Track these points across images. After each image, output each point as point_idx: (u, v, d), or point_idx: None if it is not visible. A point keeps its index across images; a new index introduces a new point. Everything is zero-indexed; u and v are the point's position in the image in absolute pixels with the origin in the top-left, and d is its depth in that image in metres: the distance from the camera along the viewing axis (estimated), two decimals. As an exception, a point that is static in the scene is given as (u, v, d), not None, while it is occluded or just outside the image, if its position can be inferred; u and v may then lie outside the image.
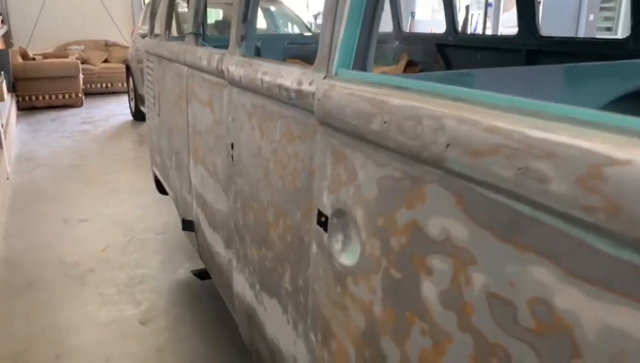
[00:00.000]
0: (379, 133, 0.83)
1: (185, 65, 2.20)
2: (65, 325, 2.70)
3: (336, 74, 1.01)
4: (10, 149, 5.58)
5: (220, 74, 1.73)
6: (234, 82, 1.59)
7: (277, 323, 1.42)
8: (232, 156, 1.66)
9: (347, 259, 0.97)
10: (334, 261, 1.01)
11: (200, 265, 3.24)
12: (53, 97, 8.30)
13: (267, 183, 1.39)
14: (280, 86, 1.25)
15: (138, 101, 7.28)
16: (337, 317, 1.01)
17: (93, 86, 9.51)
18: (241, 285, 1.71)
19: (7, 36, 8.93)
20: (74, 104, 8.49)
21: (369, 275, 0.90)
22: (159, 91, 2.81)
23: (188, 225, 2.36)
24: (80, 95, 8.53)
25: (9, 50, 7.96)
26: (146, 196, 4.51)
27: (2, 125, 5.06)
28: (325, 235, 1.04)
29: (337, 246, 1.01)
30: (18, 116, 7.75)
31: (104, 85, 9.62)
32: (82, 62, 9.11)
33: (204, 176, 2.05)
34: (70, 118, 7.79)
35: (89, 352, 2.49)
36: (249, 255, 1.58)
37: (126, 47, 9.80)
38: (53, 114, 8.08)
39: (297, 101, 1.18)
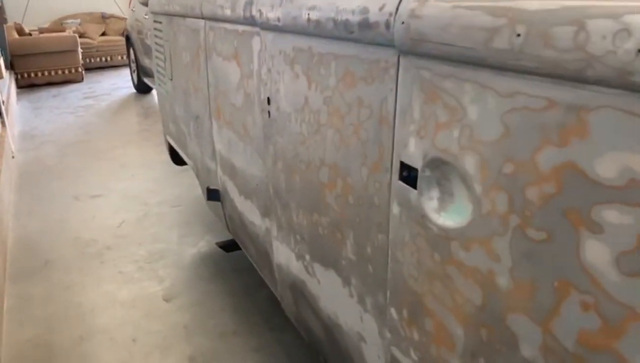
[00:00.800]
0: (507, 52, 0.63)
1: (203, 18, 1.97)
2: (87, 305, 2.54)
3: (425, -12, 0.80)
4: (13, 127, 5.37)
5: (248, 20, 1.51)
6: (268, 27, 1.38)
7: (335, 297, 1.24)
8: (269, 113, 1.45)
9: (449, 220, 0.78)
10: (429, 224, 0.82)
11: (223, 237, 3.07)
12: (52, 73, 8.04)
13: (319, 138, 1.19)
14: (335, 20, 1.04)
15: (140, 73, 7.02)
16: (434, 290, 0.83)
17: (92, 60, 9.22)
18: (284, 256, 1.53)
19: (0, 12, 8.61)
20: (74, 79, 8.23)
21: (488, 238, 0.71)
22: (171, 52, 2.59)
23: (213, 195, 2.17)
24: (80, 70, 8.26)
25: (4, 26, 7.67)
26: (157, 169, 4.32)
27: (2, 102, 4.83)
28: (414, 192, 0.85)
29: (432, 204, 0.82)
30: (18, 94, 7.50)
31: (103, 59, 9.33)
32: (80, 36, 8.82)
33: (232, 140, 1.85)
34: (72, 94, 7.54)
35: (114, 332, 2.34)
36: (295, 222, 1.39)
37: (124, 19, 9.49)
38: (54, 90, 7.83)
39: (360, 34, 0.97)
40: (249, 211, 1.80)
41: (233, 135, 1.83)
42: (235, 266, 2.82)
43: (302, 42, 1.21)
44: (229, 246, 2.59)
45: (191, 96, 2.32)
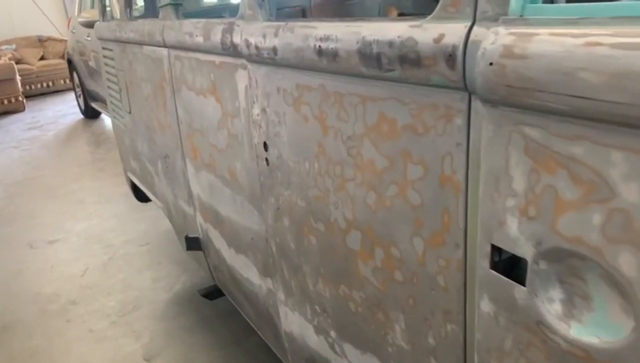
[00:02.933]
0: None
1: (165, 46, 1.70)
2: (56, 377, 2.22)
3: (522, 15, 0.58)
4: (-49, 169, 4.90)
5: (229, 50, 1.26)
6: (258, 59, 1.13)
7: (378, 386, 1.01)
8: (267, 160, 1.21)
9: (588, 334, 0.56)
10: (551, 335, 0.60)
11: (200, 278, 2.79)
12: (-10, 104, 7.48)
13: (344, 196, 0.96)
14: (362, 54, 0.81)
15: (87, 97, 6.59)
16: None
17: (32, 87, 8.65)
18: (297, 326, 1.28)
19: None
20: (16, 109, 7.68)
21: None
22: (127, 83, 2.29)
23: (193, 243, 1.90)
24: (20, 98, 7.71)
25: None
26: (117, 203, 3.97)
27: (-63, 144, 4.37)
28: (520, 289, 0.62)
29: (552, 308, 0.59)
30: (-46, 130, 6.94)
31: (44, 84, 8.77)
32: (17, 63, 8.22)
33: (214, 185, 1.59)
34: (14, 125, 7.02)
35: (92, 407, 2.04)
36: (312, 291, 1.15)
37: (63, 41, 8.96)
38: (-7, 123, 7.28)
39: (404, 72, 0.74)
40: (243, 267, 1.55)
41: (216, 180, 1.57)
42: (219, 311, 2.54)
43: (311, 79, 0.97)
44: (212, 293, 2.31)
45: (156, 132, 2.04)
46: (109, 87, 2.71)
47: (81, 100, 6.88)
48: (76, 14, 6.53)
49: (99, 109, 6.18)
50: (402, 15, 3.00)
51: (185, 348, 2.30)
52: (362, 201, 0.91)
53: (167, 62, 1.73)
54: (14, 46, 8.90)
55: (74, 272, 3.05)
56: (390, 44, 0.75)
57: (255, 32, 1.12)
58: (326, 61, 0.90)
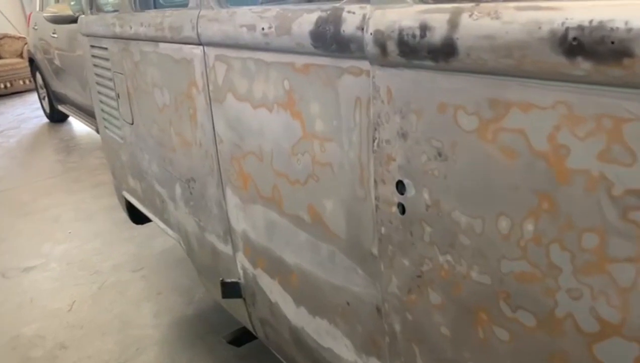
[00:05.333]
0: None
1: (200, 44, 1.29)
2: None
3: None
4: None
5: (331, 48, 0.86)
6: (403, 61, 0.74)
7: None
8: (402, 206, 0.82)
9: None
10: None
11: (212, 311, 2.35)
12: (-58, 108, 6.75)
13: (603, 283, 0.58)
14: None
15: (52, 99, 5.98)
16: None
17: (-12, 88, 7.92)
18: None
19: None
20: (-30, 113, 6.97)
21: None
22: (129, 89, 1.85)
23: (232, 290, 1.49)
24: (-24, 101, 7.01)
25: None
26: (99, 220, 3.47)
27: None
28: None
29: None
30: None
31: (2, 86, 8.04)
32: (-30, 63, 7.50)
33: (278, 225, 1.19)
34: (-29, 131, 6.34)
35: None
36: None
37: (21, 38, 8.24)
38: (-53, 129, 6.56)
39: None
40: (322, 334, 1.15)
41: (281, 218, 1.17)
42: (238, 353, 2.12)
43: (535, 92, 0.59)
44: (239, 339, 1.89)
45: (175, 150, 1.61)
46: (99, 93, 2.25)
47: (46, 102, 6.25)
48: (38, 9, 5.90)
49: (67, 113, 5.60)
50: None
51: (207, 405, 1.89)
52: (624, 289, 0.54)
53: (202, 64, 1.31)
54: (-35, 45, 8.12)
55: (58, 307, 2.57)
56: None
57: (401, 20, 0.73)
58: (590, 64, 0.52)
